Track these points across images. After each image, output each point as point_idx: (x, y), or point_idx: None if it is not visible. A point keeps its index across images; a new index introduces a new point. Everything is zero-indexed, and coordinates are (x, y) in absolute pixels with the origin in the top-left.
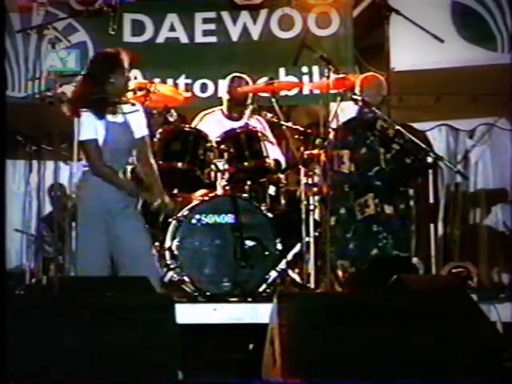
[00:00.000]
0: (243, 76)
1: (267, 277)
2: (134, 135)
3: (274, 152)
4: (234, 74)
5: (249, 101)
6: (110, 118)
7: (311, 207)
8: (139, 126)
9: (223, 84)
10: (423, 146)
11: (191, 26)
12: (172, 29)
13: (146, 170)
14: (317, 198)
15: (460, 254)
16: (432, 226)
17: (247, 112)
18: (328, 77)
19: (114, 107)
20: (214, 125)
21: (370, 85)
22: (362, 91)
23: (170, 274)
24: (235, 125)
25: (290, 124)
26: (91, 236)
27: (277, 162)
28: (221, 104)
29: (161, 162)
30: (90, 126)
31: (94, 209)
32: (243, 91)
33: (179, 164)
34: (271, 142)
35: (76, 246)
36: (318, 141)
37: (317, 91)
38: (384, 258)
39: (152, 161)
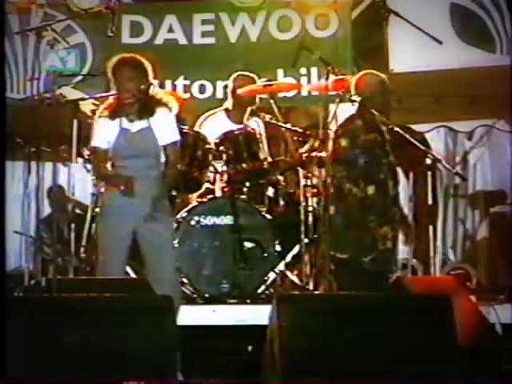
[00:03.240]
0: (248, 74)
1: (266, 278)
2: (159, 141)
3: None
4: (238, 73)
5: (256, 102)
6: (126, 123)
7: (310, 208)
8: (166, 132)
9: (228, 84)
10: (422, 147)
11: (190, 28)
12: (170, 30)
13: (171, 175)
14: (315, 199)
15: (459, 256)
16: (431, 227)
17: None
18: (327, 78)
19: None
20: (217, 126)
21: (367, 84)
22: (358, 92)
23: None
24: (238, 127)
25: (288, 125)
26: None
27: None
28: (220, 105)
29: None
30: (101, 132)
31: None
32: (242, 93)
33: (178, 166)
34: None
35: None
36: (317, 143)
37: (315, 93)
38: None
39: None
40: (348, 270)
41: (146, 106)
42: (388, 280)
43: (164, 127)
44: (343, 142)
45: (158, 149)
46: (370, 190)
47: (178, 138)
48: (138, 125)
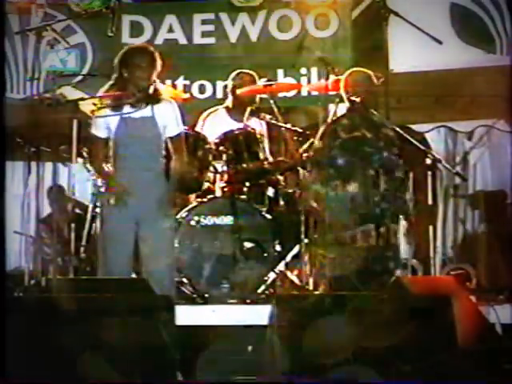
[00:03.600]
0: (249, 72)
1: (266, 278)
2: (162, 131)
3: None
4: (238, 71)
5: (256, 102)
6: (128, 110)
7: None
8: (170, 123)
9: (228, 82)
10: (422, 147)
11: (190, 28)
12: (170, 30)
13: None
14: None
15: (459, 256)
16: (431, 227)
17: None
18: (327, 78)
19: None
20: (218, 124)
21: (354, 82)
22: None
23: None
24: (239, 125)
25: (288, 125)
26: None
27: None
28: (220, 105)
29: None
30: (101, 120)
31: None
32: (242, 93)
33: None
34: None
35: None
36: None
37: (315, 93)
38: None
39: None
40: (338, 270)
41: (150, 97)
42: (387, 278)
43: (168, 119)
44: (318, 144)
45: (160, 139)
46: (352, 188)
47: (182, 129)
48: (141, 112)
